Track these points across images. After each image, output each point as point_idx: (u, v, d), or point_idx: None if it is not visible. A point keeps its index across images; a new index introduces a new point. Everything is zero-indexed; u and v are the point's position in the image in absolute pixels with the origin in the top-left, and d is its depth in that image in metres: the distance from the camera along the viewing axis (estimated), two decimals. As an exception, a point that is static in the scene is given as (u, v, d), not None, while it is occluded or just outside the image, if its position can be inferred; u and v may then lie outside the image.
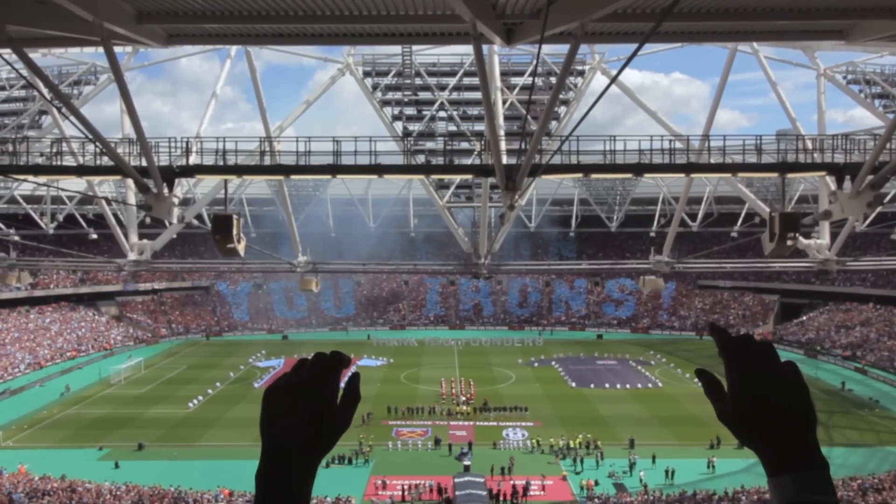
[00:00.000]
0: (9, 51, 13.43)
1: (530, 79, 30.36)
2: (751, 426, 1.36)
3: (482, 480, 31.34)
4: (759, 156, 22.95)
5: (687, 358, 63.00)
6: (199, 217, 47.00)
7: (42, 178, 25.83)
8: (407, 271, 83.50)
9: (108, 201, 37.42)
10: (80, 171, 22.60)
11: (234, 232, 20.37)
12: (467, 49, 25.77)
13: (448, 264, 66.47)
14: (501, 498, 31.19)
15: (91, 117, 16.71)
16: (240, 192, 66.82)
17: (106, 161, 20.62)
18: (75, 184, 43.89)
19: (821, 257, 29.71)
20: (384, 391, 49.90)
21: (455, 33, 14.87)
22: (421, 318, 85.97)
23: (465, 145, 32.41)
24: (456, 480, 31.15)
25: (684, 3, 13.12)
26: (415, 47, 30.86)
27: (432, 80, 33.04)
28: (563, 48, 16.37)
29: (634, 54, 8.57)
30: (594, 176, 26.24)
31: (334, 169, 22.60)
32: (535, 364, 62.46)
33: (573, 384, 54.04)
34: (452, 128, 33.03)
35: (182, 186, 41.09)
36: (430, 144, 32.35)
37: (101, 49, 17.60)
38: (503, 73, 31.76)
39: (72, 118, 15.28)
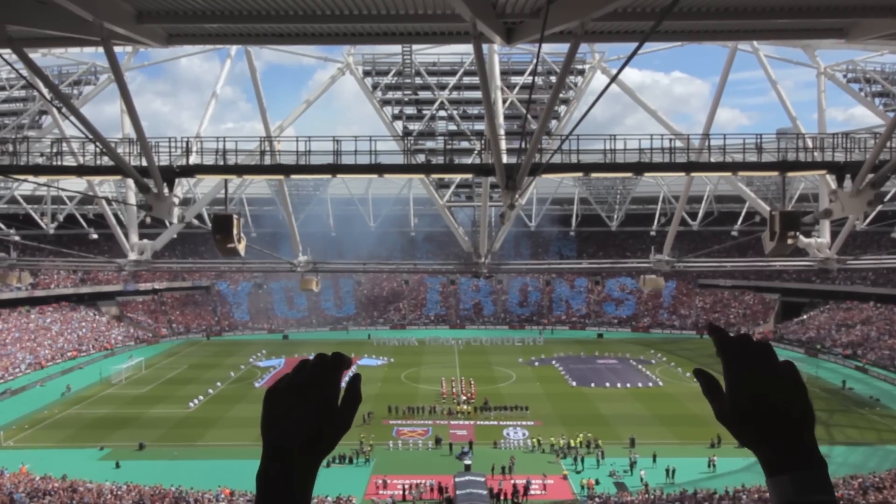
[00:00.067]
0: (9, 51, 13.43)
1: (530, 78, 30.35)
2: (749, 426, 1.37)
3: (483, 480, 31.34)
4: (759, 154, 22.95)
5: (687, 357, 63.00)
6: (199, 217, 47.00)
7: (42, 178, 25.83)
8: (407, 271, 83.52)
9: (109, 201, 37.43)
10: (81, 171, 22.61)
11: (235, 232, 20.37)
12: (467, 48, 25.75)
13: (448, 264, 66.49)
14: (502, 497, 31.19)
15: (91, 117, 16.73)
16: (240, 192, 66.83)
17: (106, 161, 20.63)
18: (75, 184, 43.91)
19: (821, 256, 29.71)
20: (385, 391, 49.92)
21: (455, 32, 14.87)
22: (421, 318, 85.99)
23: (465, 144, 32.41)
24: (457, 480, 31.15)
25: (684, 2, 13.11)
26: (415, 47, 30.85)
27: (432, 80, 33.04)
28: (564, 47, 16.37)
29: (634, 53, 8.57)
30: (594, 175, 26.19)
31: (334, 168, 22.60)
32: (536, 363, 62.47)
33: (574, 383, 54.04)
34: (452, 127, 33.03)
35: (182, 186, 41.19)
36: (430, 144, 32.35)
37: (101, 49, 17.61)
38: (503, 73, 31.76)
39: (72, 118, 15.28)
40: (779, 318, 77.22)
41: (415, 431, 40.97)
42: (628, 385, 53.04)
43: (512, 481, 32.33)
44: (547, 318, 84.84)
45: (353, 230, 75.52)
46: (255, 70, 30.43)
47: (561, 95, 28.98)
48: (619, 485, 32.99)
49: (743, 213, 67.34)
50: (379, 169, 23.01)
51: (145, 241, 32.34)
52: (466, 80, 32.87)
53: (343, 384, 1.48)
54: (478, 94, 30.08)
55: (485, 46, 18.10)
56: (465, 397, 47.96)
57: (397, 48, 31.30)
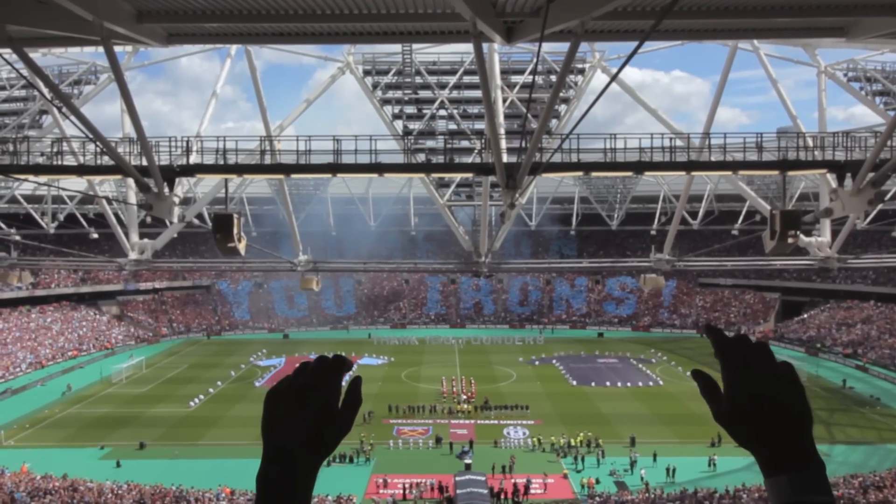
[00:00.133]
0: (9, 50, 13.43)
1: (530, 77, 30.34)
2: (747, 426, 1.37)
3: (483, 479, 31.37)
4: (759, 153, 22.93)
5: (688, 356, 63.00)
6: (199, 216, 46.99)
7: (43, 178, 25.86)
8: (408, 270, 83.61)
9: (109, 201, 37.45)
10: (81, 170, 22.60)
11: (235, 231, 20.36)
12: (467, 47, 25.74)
13: (449, 263, 66.51)
14: (502, 496, 31.19)
15: (91, 117, 16.75)
16: (240, 192, 66.85)
17: (106, 160, 20.63)
18: (76, 183, 43.88)
19: (822, 255, 29.70)
20: (385, 390, 49.94)
21: (455, 31, 14.87)
22: (422, 317, 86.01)
23: (465, 144, 32.40)
24: (457, 479, 31.17)
25: (684, 1, 13.11)
26: (415, 46, 30.83)
27: (432, 79, 33.01)
28: (564, 46, 16.37)
29: (635, 52, 8.57)
30: (595, 174, 26.17)
31: (335, 168, 22.61)
32: (536, 362, 62.48)
33: (574, 382, 54.05)
34: (453, 126, 33.00)
35: (182, 186, 41.18)
36: (430, 143, 32.32)
37: (101, 48, 17.59)
38: (503, 72, 31.74)
39: (72, 118, 15.27)
40: (779, 318, 77.21)
41: (415, 431, 40.98)
42: (629, 384, 53.04)
43: (512, 480, 32.33)
44: (547, 317, 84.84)
45: (354, 229, 75.54)
46: (255, 69, 30.44)
47: (561, 94, 28.96)
48: (620, 484, 32.99)
49: (743, 213, 67.36)
50: (379, 168, 23.00)
51: (146, 240, 32.34)
52: (466, 79, 32.84)
53: (344, 386, 1.48)
54: (478, 94, 30.07)
55: (485, 45, 18.09)
56: (465, 396, 47.97)
57: (397, 47, 31.29)
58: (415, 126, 32.29)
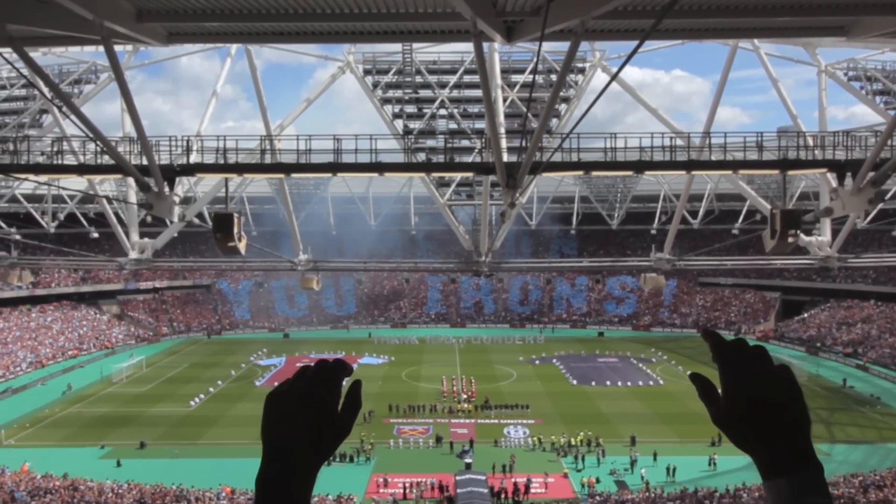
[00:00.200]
0: (9, 50, 13.43)
1: (531, 76, 30.34)
2: (745, 429, 1.37)
3: (483, 478, 31.38)
4: (760, 153, 22.92)
5: (688, 355, 63.00)
6: (199, 215, 47.03)
7: (43, 177, 25.87)
8: (408, 269, 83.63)
9: (109, 200, 37.46)
10: (81, 169, 22.60)
11: (235, 230, 20.35)
12: (468, 47, 25.72)
13: (449, 262, 66.51)
14: (503, 496, 31.20)
15: (92, 116, 16.76)
16: (240, 191, 66.86)
17: (107, 160, 20.62)
18: (76, 183, 43.90)
19: (822, 254, 29.69)
20: (385, 389, 49.96)
21: (455, 31, 14.86)
22: (422, 316, 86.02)
23: (465, 143, 32.38)
24: (457, 478, 31.17)
25: (684, 1, 13.10)
26: (415, 45, 30.82)
27: (433, 78, 33.00)
28: (564, 45, 16.36)
29: (635, 51, 8.56)
30: (595, 173, 26.18)
31: (335, 167, 22.60)
32: (537, 362, 62.48)
33: (574, 382, 54.06)
34: (453, 126, 32.99)
35: (183, 185, 41.11)
36: (430, 142, 32.31)
37: (101, 48, 17.60)
38: (503, 71, 31.73)
39: (72, 117, 15.27)
40: (779, 317, 77.20)
41: (415, 430, 40.99)
42: (629, 383, 53.05)
43: (513, 480, 32.34)
44: (548, 316, 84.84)
45: (354, 229, 75.56)
46: (255, 69, 30.44)
47: (561, 94, 28.96)
48: (620, 483, 33.00)
49: (744, 212, 67.40)
50: (379, 167, 22.99)
51: (146, 239, 32.35)
52: (467, 78, 32.83)
53: (344, 390, 1.49)
54: (478, 93, 30.07)
55: (485, 45, 18.08)
56: (465, 396, 47.98)
57: (397, 47, 31.28)
58: (415, 125, 32.27)
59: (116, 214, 37.26)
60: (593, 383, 53.20)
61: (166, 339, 76.57)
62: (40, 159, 23.58)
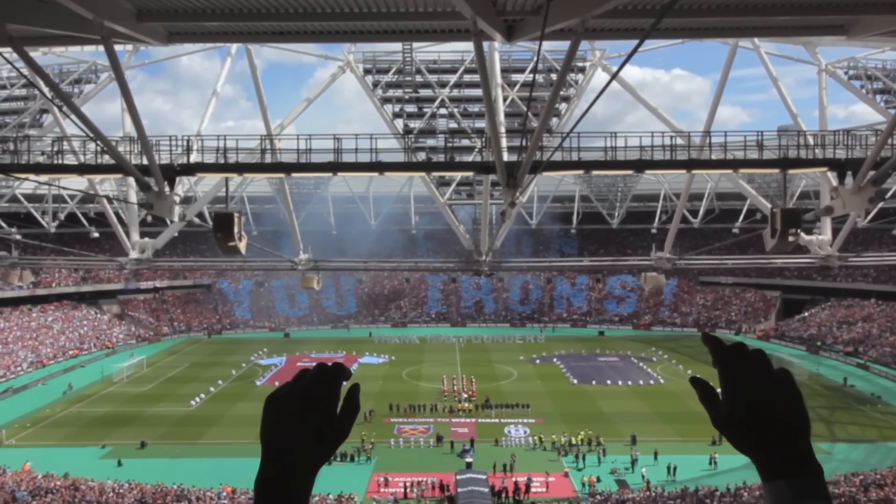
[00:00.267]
0: (9, 50, 13.43)
1: (531, 76, 30.30)
2: (745, 432, 1.39)
3: (484, 477, 31.39)
4: (760, 151, 22.91)
5: (688, 354, 63.00)
6: (200, 215, 47.02)
7: (43, 177, 25.87)
8: (408, 269, 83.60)
9: (110, 200, 37.47)
10: (82, 169, 22.59)
11: (236, 230, 20.35)
12: (468, 46, 25.71)
13: (449, 261, 66.52)
14: (503, 495, 31.22)
15: (92, 116, 16.75)
16: (241, 190, 66.88)
17: (107, 159, 20.62)
18: (77, 182, 43.93)
19: (822, 253, 29.67)
20: (386, 389, 49.98)
21: (456, 30, 14.85)
22: (422, 316, 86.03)
23: (465, 142, 32.35)
24: (458, 477, 31.18)
25: (684, 0, 13.10)
26: (415, 44, 30.80)
27: (433, 78, 32.97)
28: (564, 45, 16.37)
29: (635, 51, 8.56)
30: (595, 172, 26.19)
31: (335, 167, 22.59)
32: (537, 361, 62.49)
33: (575, 381, 54.06)
34: (453, 125, 32.96)
35: (183, 185, 41.08)
36: (430, 142, 32.26)
37: (101, 47, 17.60)
38: (504, 70, 31.70)
39: (73, 117, 15.27)
40: (780, 316, 77.19)
41: (416, 429, 41.01)
42: (629, 382, 53.05)
43: (513, 479, 32.34)
44: (548, 315, 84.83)
45: (354, 228, 75.57)
46: (255, 68, 30.43)
47: (561, 93, 28.94)
48: (621, 482, 33.01)
49: (744, 211, 67.40)
50: (380, 167, 22.98)
51: (146, 239, 32.35)
52: (467, 77, 32.80)
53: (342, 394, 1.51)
54: (478, 92, 30.05)
55: (485, 44, 18.07)
56: (466, 395, 47.99)
57: (398, 46, 31.24)
58: (415, 125, 32.25)
59: (117, 214, 37.27)
60: (594, 382, 53.20)
61: (167, 339, 76.60)
62: (41, 159, 23.58)
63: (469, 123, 32.93)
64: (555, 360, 62.29)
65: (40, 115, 38.25)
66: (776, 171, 24.31)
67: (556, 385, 52.72)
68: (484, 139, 28.04)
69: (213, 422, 43.03)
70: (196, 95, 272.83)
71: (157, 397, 49.63)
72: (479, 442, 37.83)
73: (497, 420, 42.87)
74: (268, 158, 23.71)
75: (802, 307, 75.83)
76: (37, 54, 25.38)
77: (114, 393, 51.52)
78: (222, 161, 22.82)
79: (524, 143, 19.55)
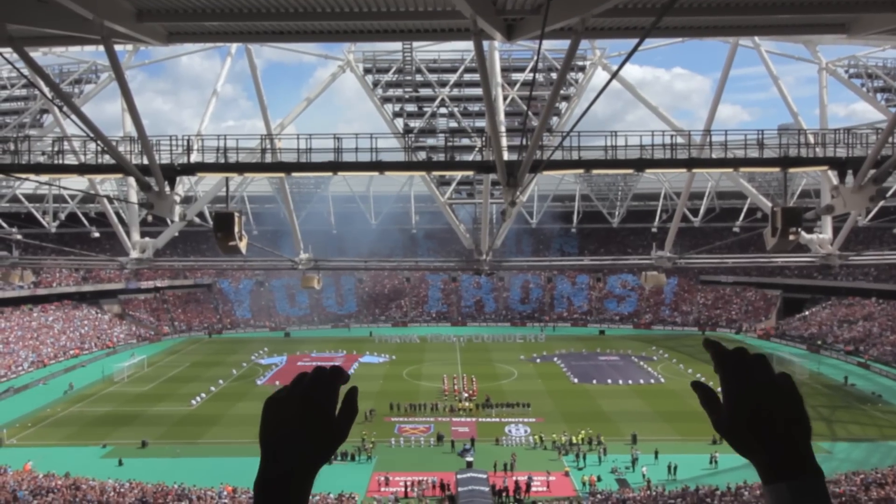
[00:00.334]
0: (9, 50, 13.43)
1: (531, 75, 30.27)
2: (746, 436, 1.40)
3: (485, 476, 31.40)
4: (760, 150, 22.89)
5: (689, 353, 62.97)
6: (200, 215, 47.01)
7: (44, 177, 25.87)
8: (408, 268, 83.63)
9: (110, 199, 37.48)
10: (82, 169, 22.59)
11: (236, 230, 20.35)
12: (468, 45, 25.70)
13: (449, 261, 66.51)
14: (504, 494, 31.23)
15: (92, 116, 16.75)
16: (241, 190, 66.88)
17: (107, 159, 20.61)
18: (77, 182, 43.95)
19: (823, 252, 29.64)
20: (386, 388, 50.01)
21: (455, 29, 14.84)
22: (423, 315, 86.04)
23: (466, 142, 32.33)
24: (458, 476, 31.19)
25: (685, -2, 13.08)
26: (415, 44, 30.77)
27: (433, 77, 32.95)
28: (564, 44, 16.36)
29: (635, 49, 8.56)
30: (596, 171, 26.23)
31: (335, 166, 22.57)
32: (538, 360, 62.51)
33: (575, 380, 54.08)
34: (453, 124, 32.94)
35: (183, 184, 41.09)
36: (431, 141, 32.25)
37: (101, 48, 17.60)
38: (504, 70, 31.67)
39: (73, 117, 15.27)
40: (781, 315, 77.18)
41: (416, 428, 41.03)
42: (630, 382, 53.06)
43: (514, 478, 32.37)
44: (548, 314, 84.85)
45: (355, 228, 75.59)
46: (255, 68, 30.41)
47: (562, 92, 28.93)
48: (621, 481, 33.02)
49: (744, 210, 67.34)
50: (380, 166, 22.96)
51: (147, 239, 32.34)
52: (467, 77, 32.77)
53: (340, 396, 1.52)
54: (478, 91, 30.02)
55: (485, 43, 18.08)
56: (466, 394, 48.01)
57: (398, 45, 31.22)
58: (415, 124, 32.23)
59: (117, 214, 37.25)
60: (594, 381, 53.21)
61: (167, 339, 76.65)
62: (41, 159, 23.58)
63: (469, 122, 32.91)
64: (555, 359, 62.30)
65: (41, 115, 38.25)
66: (777, 169, 24.28)
67: (556, 384, 52.74)
68: (484, 138, 28.03)
69: (213, 421, 43.06)
70: (196, 95, 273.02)
71: (158, 397, 49.67)
72: (479, 441, 37.85)
73: (497, 419, 42.89)
74: (268, 158, 23.71)
75: (803, 306, 75.83)
76: (37, 54, 25.37)
77: (114, 392, 51.56)
78: (222, 161, 22.81)
79: (524, 143, 19.54)
